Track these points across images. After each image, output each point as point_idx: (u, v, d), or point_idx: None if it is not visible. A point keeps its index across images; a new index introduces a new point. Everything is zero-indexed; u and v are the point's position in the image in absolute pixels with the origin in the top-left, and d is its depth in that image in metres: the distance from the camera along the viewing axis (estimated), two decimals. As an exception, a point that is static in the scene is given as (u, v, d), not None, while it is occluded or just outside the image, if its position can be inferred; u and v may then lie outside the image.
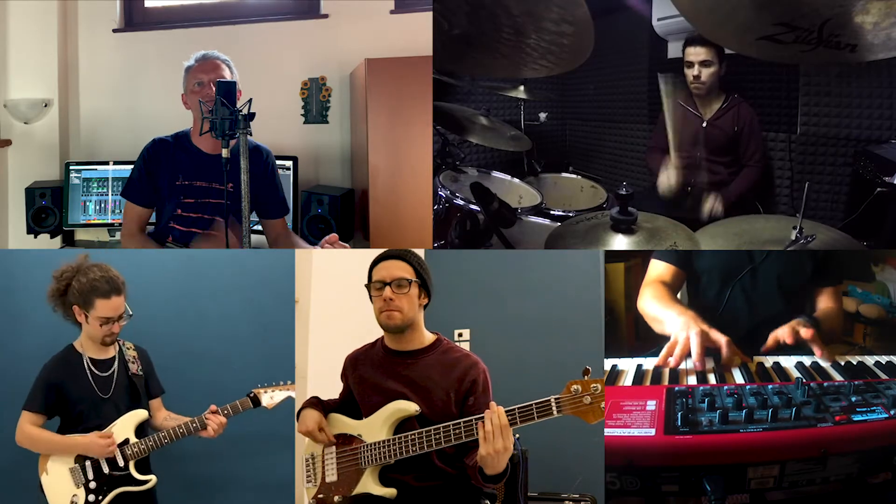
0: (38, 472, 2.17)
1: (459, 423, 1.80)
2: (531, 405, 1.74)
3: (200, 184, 2.54)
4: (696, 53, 2.97)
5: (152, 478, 2.16)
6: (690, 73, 3.01)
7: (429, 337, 2.01)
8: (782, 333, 2.27)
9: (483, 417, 1.75)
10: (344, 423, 2.04)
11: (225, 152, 2.29)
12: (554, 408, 1.72)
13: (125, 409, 2.20)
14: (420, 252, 3.16)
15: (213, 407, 2.19)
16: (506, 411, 1.75)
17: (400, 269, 1.96)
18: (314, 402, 2.09)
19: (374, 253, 2.04)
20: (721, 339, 2.21)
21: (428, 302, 2.02)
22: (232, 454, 2.64)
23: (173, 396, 2.38)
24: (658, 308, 2.44)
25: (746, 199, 3.05)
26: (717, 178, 3.08)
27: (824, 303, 2.54)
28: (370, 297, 2.00)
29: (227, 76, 2.60)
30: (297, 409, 2.14)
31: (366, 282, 2.01)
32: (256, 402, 2.20)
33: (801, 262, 2.49)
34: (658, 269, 2.61)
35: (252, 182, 2.26)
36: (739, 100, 3.04)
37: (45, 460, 2.17)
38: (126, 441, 2.14)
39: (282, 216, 2.71)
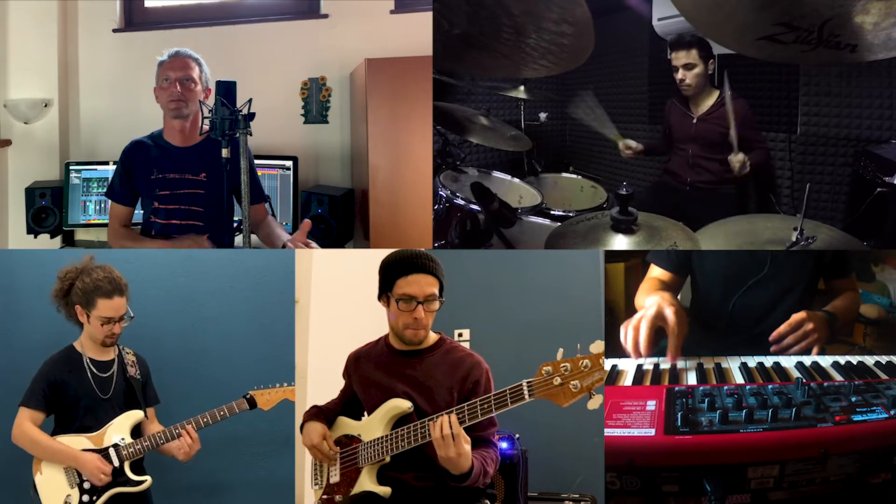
0: (31, 471, 2.16)
1: (475, 403, 1.78)
2: (504, 391, 1.73)
3: (173, 175, 2.57)
4: (678, 58, 2.98)
5: (147, 479, 2.16)
6: (676, 76, 3.01)
7: (432, 336, 2.00)
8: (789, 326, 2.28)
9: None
10: (346, 425, 2.04)
11: (225, 152, 2.30)
12: (526, 392, 1.70)
13: (121, 412, 2.20)
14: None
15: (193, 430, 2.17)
16: (481, 400, 1.75)
17: (431, 285, 1.90)
18: (316, 413, 2.08)
19: (375, 254, 2.01)
20: (671, 317, 2.25)
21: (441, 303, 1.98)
22: (231, 456, 2.64)
23: (173, 396, 2.38)
24: (644, 298, 2.47)
25: (764, 183, 3.02)
26: (713, 176, 3.07)
27: (842, 293, 2.53)
28: (390, 306, 1.95)
29: (196, 74, 2.61)
30: (296, 412, 2.14)
31: (381, 286, 1.96)
32: (253, 403, 2.19)
33: (809, 260, 2.49)
34: (655, 271, 2.63)
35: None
36: (733, 96, 2.95)
37: (40, 460, 2.16)
38: (121, 441, 2.14)
39: (262, 202, 2.74)
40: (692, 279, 2.67)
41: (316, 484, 2.07)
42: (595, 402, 1.70)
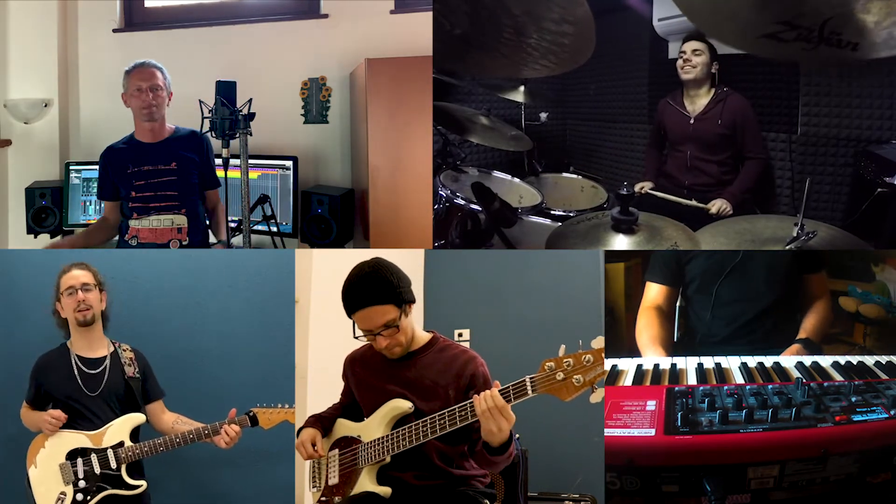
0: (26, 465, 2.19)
1: (444, 414, 1.79)
2: (508, 387, 1.73)
3: (147, 168, 2.78)
4: (690, 46, 3.01)
5: (142, 483, 2.16)
6: (682, 59, 3.02)
7: (424, 336, 1.99)
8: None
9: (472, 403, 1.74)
10: (346, 427, 2.04)
11: (225, 152, 2.31)
12: (529, 387, 1.70)
13: (119, 411, 2.20)
14: (419, 252, 3.18)
15: (233, 411, 2.19)
16: (482, 395, 1.73)
17: (382, 315, 1.85)
18: (312, 422, 2.08)
19: (374, 254, 1.99)
20: None
21: (413, 303, 1.94)
22: (231, 457, 2.63)
23: (174, 396, 2.38)
24: (645, 343, 2.59)
25: (755, 193, 3.05)
26: (710, 178, 3.07)
27: (812, 301, 2.56)
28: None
29: (161, 82, 2.80)
30: (296, 412, 2.14)
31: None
32: (255, 421, 2.21)
33: (785, 253, 2.52)
34: (652, 294, 2.71)
35: (199, 164, 2.72)
36: (729, 92, 3.02)
37: (34, 454, 2.17)
38: (121, 444, 2.14)
39: (216, 188, 2.93)
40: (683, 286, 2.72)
41: (314, 486, 2.06)
42: (597, 396, 1.70)
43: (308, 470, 2.11)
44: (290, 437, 2.60)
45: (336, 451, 2.02)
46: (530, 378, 1.71)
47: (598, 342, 1.70)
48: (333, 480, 1.99)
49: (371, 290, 1.86)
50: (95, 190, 3.43)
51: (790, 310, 2.58)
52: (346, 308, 1.90)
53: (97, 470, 2.13)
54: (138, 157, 2.80)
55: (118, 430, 2.17)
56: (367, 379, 2.00)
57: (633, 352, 2.60)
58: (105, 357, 2.24)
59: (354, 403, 2.07)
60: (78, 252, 2.44)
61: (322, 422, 2.07)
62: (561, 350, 1.71)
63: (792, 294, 2.59)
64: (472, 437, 1.83)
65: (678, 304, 2.78)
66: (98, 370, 2.22)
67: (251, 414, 2.21)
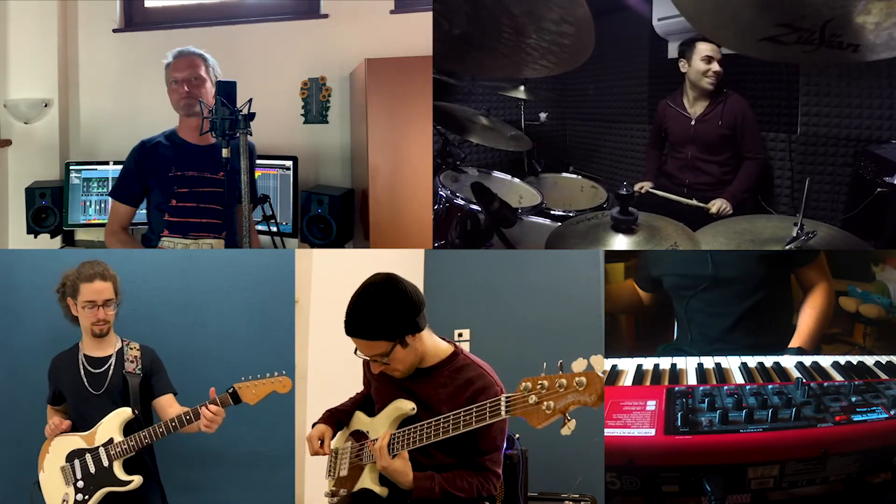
0: (32, 469, 2.21)
1: (449, 417, 1.76)
2: (484, 405, 1.68)
3: (192, 174, 2.56)
4: (703, 49, 2.97)
5: (136, 478, 2.14)
6: (706, 66, 2.99)
7: (442, 351, 1.90)
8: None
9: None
10: (360, 421, 2.04)
11: (225, 152, 2.30)
12: (503, 408, 1.63)
13: (119, 408, 2.20)
14: (419, 252, 3.18)
15: (213, 391, 2.12)
16: (464, 411, 1.71)
17: (371, 348, 1.80)
18: (326, 418, 2.07)
19: (375, 254, 1.99)
20: None
21: (423, 327, 1.84)
22: (232, 463, 2.64)
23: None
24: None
25: (753, 193, 3.05)
26: (711, 178, 3.07)
27: (809, 296, 2.56)
28: None
29: (203, 72, 2.60)
30: (296, 412, 2.12)
31: None
32: (236, 398, 2.10)
33: (764, 259, 2.52)
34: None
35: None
36: (729, 93, 3.02)
37: (43, 458, 2.19)
38: (110, 441, 2.14)
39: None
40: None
41: (330, 475, 2.06)
42: (567, 430, 1.59)
43: (326, 461, 2.09)
44: (290, 437, 2.61)
45: (349, 444, 2.02)
46: (506, 398, 1.65)
47: (579, 365, 1.57)
48: (343, 473, 1.99)
49: (361, 324, 1.80)
50: (110, 188, 2.91)
51: (773, 315, 2.57)
52: (345, 330, 1.86)
53: (92, 469, 2.14)
54: (183, 159, 2.55)
55: (107, 427, 2.17)
56: (378, 384, 1.99)
57: (633, 352, 2.60)
58: (110, 356, 2.24)
59: (370, 398, 2.07)
60: (80, 252, 2.43)
61: (338, 416, 2.07)
62: (544, 368, 1.61)
63: (776, 298, 2.57)
64: (478, 446, 1.81)
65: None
66: (102, 369, 2.22)
67: (231, 390, 2.10)
